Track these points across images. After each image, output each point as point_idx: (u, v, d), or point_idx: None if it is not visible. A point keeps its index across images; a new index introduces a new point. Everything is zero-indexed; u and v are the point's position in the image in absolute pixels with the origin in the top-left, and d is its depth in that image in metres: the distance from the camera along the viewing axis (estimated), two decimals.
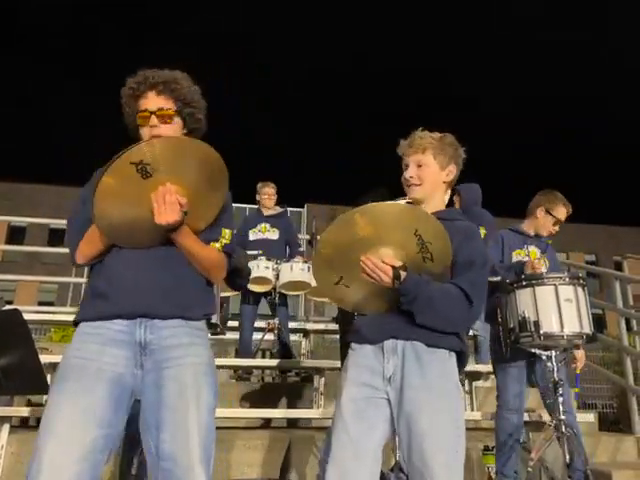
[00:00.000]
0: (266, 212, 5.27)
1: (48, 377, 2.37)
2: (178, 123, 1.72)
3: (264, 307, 4.98)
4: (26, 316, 2.73)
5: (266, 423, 4.27)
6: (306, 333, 5.80)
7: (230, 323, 4.10)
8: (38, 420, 1.54)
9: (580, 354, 3.18)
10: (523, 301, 2.90)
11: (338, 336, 3.48)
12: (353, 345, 1.84)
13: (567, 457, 2.74)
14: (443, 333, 1.72)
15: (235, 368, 4.93)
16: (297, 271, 4.68)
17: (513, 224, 3.48)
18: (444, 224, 1.69)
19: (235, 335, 4.97)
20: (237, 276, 3.36)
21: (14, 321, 2.54)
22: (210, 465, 1.55)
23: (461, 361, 1.79)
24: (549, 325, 2.82)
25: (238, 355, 4.97)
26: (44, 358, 2.75)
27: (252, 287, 4.68)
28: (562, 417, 2.81)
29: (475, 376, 4.43)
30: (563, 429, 2.79)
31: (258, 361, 4.86)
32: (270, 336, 4.90)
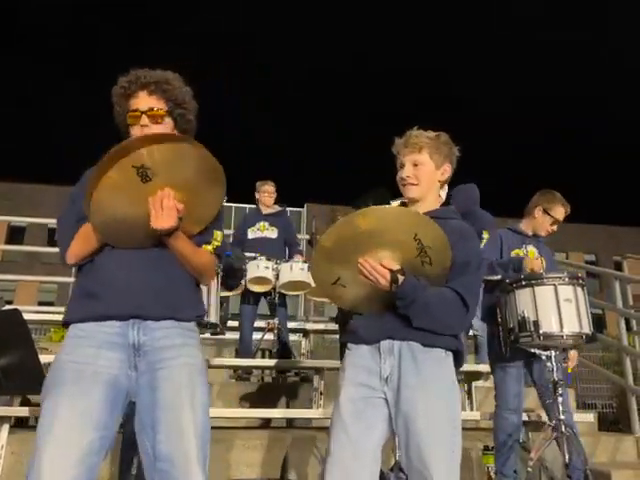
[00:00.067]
0: (265, 210, 5.26)
1: None
2: (169, 123, 1.72)
3: (263, 307, 4.98)
4: (26, 316, 2.74)
5: (266, 423, 4.28)
6: (306, 333, 5.80)
7: (230, 323, 4.10)
8: (38, 420, 1.54)
9: (572, 353, 3.18)
10: (523, 301, 2.91)
11: (338, 336, 3.49)
12: (350, 345, 1.84)
13: (566, 457, 2.75)
14: (439, 333, 1.73)
15: (235, 368, 4.93)
16: (297, 271, 4.68)
17: (512, 224, 3.49)
18: (438, 223, 1.69)
19: (235, 335, 4.97)
20: (229, 276, 3.38)
21: (14, 321, 2.55)
22: (206, 464, 1.55)
23: (457, 360, 1.80)
24: (549, 325, 2.82)
25: (238, 355, 4.97)
26: (44, 358, 2.75)
27: (252, 287, 4.68)
28: (562, 417, 2.82)
29: (475, 376, 4.43)
30: (562, 429, 2.79)
31: (258, 361, 4.86)
32: (270, 336, 4.90)
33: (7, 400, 3.54)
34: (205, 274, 1.74)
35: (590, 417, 4.28)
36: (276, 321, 4.80)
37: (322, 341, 8.55)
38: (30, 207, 23.90)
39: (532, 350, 2.94)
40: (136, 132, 1.69)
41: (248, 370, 4.91)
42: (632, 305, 5.33)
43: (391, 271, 1.65)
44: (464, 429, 1.76)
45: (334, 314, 4.99)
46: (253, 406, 4.40)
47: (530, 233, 3.38)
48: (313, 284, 4.53)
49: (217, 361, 4.69)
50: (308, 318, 6.81)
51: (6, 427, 3.29)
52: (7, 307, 2.96)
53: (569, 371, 2.92)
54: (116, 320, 1.58)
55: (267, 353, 5.30)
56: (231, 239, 5.35)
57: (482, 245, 3.31)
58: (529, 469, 2.81)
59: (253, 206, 5.47)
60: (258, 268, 4.63)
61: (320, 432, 3.57)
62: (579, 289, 2.90)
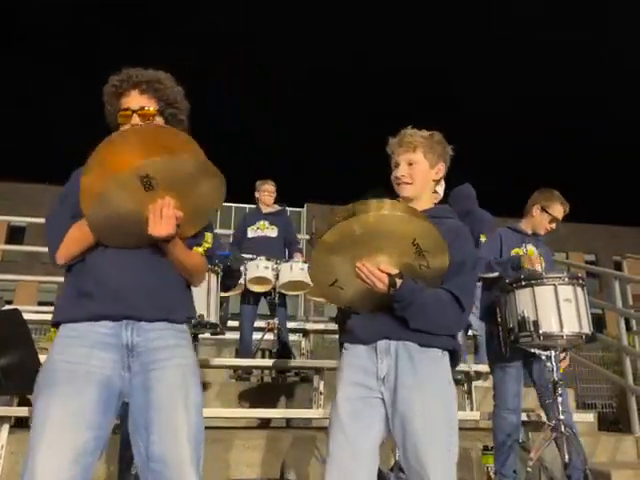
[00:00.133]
0: (265, 210, 5.26)
1: None
2: (160, 123, 1.72)
3: (263, 307, 4.98)
4: (26, 316, 2.74)
5: (265, 423, 4.28)
6: (306, 333, 5.80)
7: (230, 323, 4.10)
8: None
9: (563, 354, 3.17)
10: (522, 301, 2.91)
11: (338, 336, 3.49)
12: (346, 345, 1.85)
13: (566, 457, 2.75)
14: (436, 333, 1.74)
15: (235, 368, 4.93)
16: (297, 271, 4.68)
17: (512, 224, 3.49)
18: (433, 222, 1.69)
19: (235, 335, 4.98)
20: (227, 277, 3.39)
21: (14, 321, 2.55)
22: (200, 465, 1.54)
23: (454, 360, 1.80)
24: (548, 325, 2.82)
25: (238, 355, 4.97)
26: (44, 358, 2.74)
27: (252, 287, 4.68)
28: (561, 417, 2.82)
29: (474, 376, 4.43)
30: (562, 429, 2.79)
31: (258, 361, 4.86)
32: (270, 336, 4.90)
33: (7, 400, 3.54)
34: (197, 276, 1.75)
35: (590, 417, 4.28)
36: (276, 321, 4.80)
37: (322, 341, 8.56)
38: (30, 207, 23.87)
39: (532, 350, 2.94)
40: None
41: (248, 370, 4.91)
42: (632, 305, 5.33)
43: (389, 275, 1.66)
44: (463, 429, 1.77)
45: (334, 314, 4.99)
46: (253, 406, 4.40)
47: (529, 232, 3.38)
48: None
49: (217, 361, 4.70)
50: (308, 318, 6.82)
51: (6, 427, 3.29)
52: (7, 307, 2.96)
53: (560, 371, 2.92)
54: (110, 320, 1.57)
55: (267, 353, 5.30)
56: (231, 239, 5.35)
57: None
58: (529, 469, 2.81)
59: (253, 206, 5.47)
60: (258, 268, 4.63)
61: (320, 432, 3.57)
62: (579, 289, 2.91)
